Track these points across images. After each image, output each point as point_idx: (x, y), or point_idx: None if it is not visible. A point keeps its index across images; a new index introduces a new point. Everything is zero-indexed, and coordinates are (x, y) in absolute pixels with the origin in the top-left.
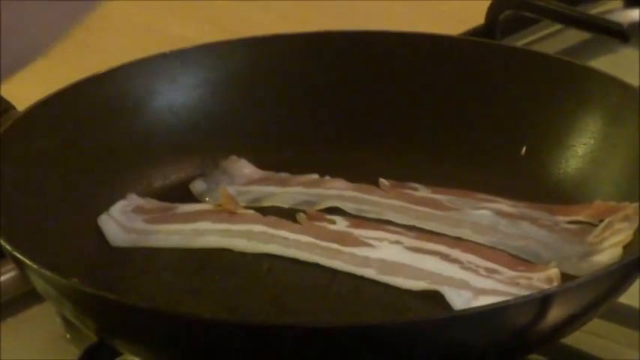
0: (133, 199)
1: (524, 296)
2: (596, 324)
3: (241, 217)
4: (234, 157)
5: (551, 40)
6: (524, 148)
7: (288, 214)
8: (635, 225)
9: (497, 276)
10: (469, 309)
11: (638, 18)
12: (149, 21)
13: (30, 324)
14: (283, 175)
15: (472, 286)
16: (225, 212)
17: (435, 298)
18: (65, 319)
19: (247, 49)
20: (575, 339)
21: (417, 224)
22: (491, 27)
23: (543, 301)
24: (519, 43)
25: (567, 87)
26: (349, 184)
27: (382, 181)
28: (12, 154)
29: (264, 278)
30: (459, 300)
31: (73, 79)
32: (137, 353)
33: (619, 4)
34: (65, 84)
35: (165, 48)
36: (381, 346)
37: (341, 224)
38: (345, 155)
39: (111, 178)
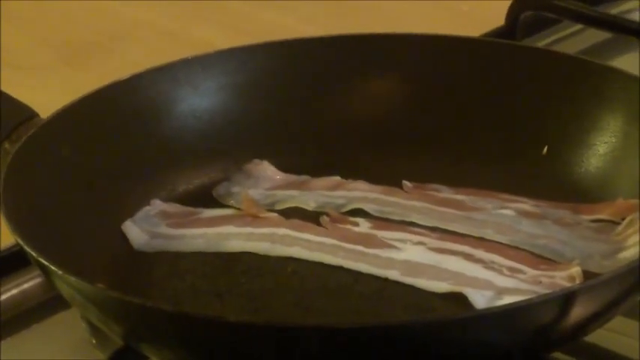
0: (157, 204)
1: (546, 294)
2: (619, 321)
3: (264, 221)
4: (256, 161)
5: (572, 40)
6: (545, 148)
7: (311, 217)
8: None
9: (520, 275)
10: (492, 308)
11: None
12: (171, 27)
13: (56, 329)
14: (305, 177)
15: (495, 286)
16: (249, 216)
17: (458, 297)
18: (91, 324)
19: (268, 53)
20: (598, 336)
21: (440, 225)
22: (511, 28)
23: (566, 299)
24: (540, 44)
25: (588, 86)
26: (372, 186)
27: (405, 182)
28: (36, 161)
29: (288, 280)
30: (482, 300)
31: (97, 85)
32: (163, 357)
33: (639, 4)
34: (88, 90)
35: (187, 53)
36: (406, 346)
37: (364, 226)
38: (366, 157)
39: (135, 184)
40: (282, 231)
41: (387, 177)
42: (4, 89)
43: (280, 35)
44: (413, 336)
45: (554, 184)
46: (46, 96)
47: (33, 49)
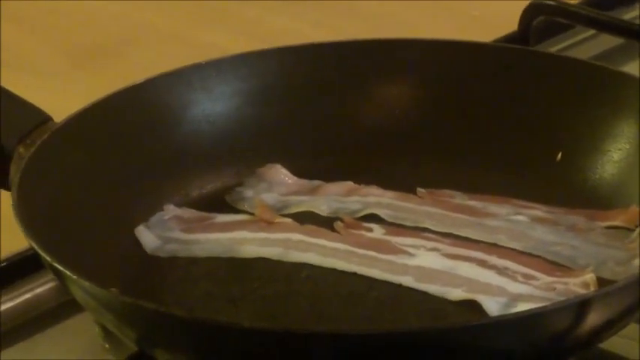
0: (171, 209)
1: (560, 302)
2: (633, 329)
3: (279, 226)
4: (269, 165)
5: (585, 45)
6: (559, 154)
7: (325, 223)
8: None
9: (533, 282)
10: (506, 315)
11: None
12: (182, 31)
13: (69, 334)
14: (318, 182)
15: (509, 292)
16: (263, 221)
17: (472, 304)
18: (104, 329)
19: (281, 58)
20: (612, 344)
21: (454, 231)
22: (524, 33)
23: (580, 306)
24: (553, 49)
25: (602, 92)
26: (386, 192)
27: (419, 189)
28: (50, 166)
29: (302, 286)
30: (496, 306)
31: (110, 90)
32: None
33: None
34: (101, 94)
35: (201, 58)
36: (419, 353)
37: (378, 232)
38: (379, 163)
39: (148, 189)
40: (296, 236)
41: (399, 182)
42: (19, 93)
43: (293, 41)
44: (426, 343)
45: (568, 190)
46: (60, 100)
47: (46, 54)
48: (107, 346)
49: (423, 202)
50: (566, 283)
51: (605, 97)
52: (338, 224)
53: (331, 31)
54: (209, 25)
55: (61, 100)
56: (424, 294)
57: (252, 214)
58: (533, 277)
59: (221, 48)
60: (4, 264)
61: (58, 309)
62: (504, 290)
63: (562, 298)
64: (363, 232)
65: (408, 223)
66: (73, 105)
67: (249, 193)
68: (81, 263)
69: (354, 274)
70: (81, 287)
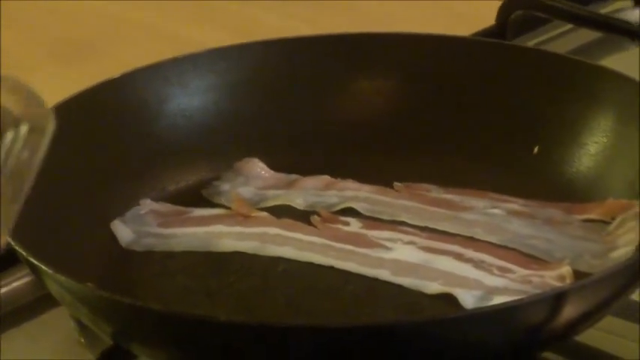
0: (147, 204)
1: (536, 294)
2: (609, 321)
3: (255, 220)
4: (247, 159)
5: (562, 39)
6: (536, 148)
7: (302, 216)
8: None
9: (510, 275)
10: (482, 308)
11: None
12: (164, 27)
13: (45, 328)
14: (295, 176)
15: (485, 285)
16: (239, 215)
17: (449, 297)
18: (80, 324)
19: (258, 52)
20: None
21: (431, 225)
22: (502, 27)
23: (556, 299)
24: (530, 43)
25: (579, 86)
26: (362, 185)
27: (396, 183)
28: None
29: (279, 280)
30: (472, 300)
31: (86, 84)
32: (153, 356)
33: (629, 3)
34: (78, 90)
35: (177, 52)
36: (395, 347)
37: (355, 225)
38: (356, 157)
39: (125, 183)
40: (272, 230)
41: (376, 176)
42: None
43: (271, 35)
44: (402, 336)
45: (545, 183)
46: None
47: (25, 48)
48: (83, 340)
49: (399, 196)
50: (542, 276)
51: (582, 91)
52: (315, 218)
53: (310, 26)
54: (189, 19)
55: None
56: (400, 287)
57: (229, 208)
58: (509, 270)
59: (202, 43)
60: None
61: (34, 303)
62: (480, 283)
63: (538, 291)
64: (340, 226)
65: (384, 217)
66: (52, 100)
67: (226, 187)
68: (57, 258)
69: (331, 267)
70: (56, 282)
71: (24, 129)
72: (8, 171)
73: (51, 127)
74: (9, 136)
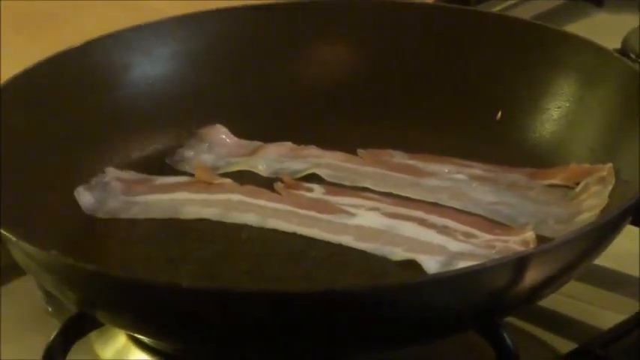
0: (111, 172)
1: (499, 259)
2: (573, 286)
3: (219, 187)
4: (210, 126)
5: (526, 5)
6: (499, 113)
7: (265, 183)
8: (610, 186)
9: (473, 240)
10: (444, 272)
11: None
12: None
13: (11, 297)
14: (258, 143)
15: (449, 251)
16: (203, 183)
17: (413, 262)
18: (47, 293)
19: (220, 19)
20: (551, 301)
21: (394, 191)
22: None
23: (519, 263)
24: (494, 9)
25: (542, 51)
26: (325, 152)
27: (359, 150)
28: None
29: (242, 247)
30: (435, 265)
31: (48, 53)
32: (118, 324)
33: None
34: (40, 59)
35: (139, 21)
36: (358, 312)
37: (318, 192)
38: (319, 123)
39: (88, 151)
40: (236, 197)
41: (339, 143)
42: None
43: (232, 2)
44: (364, 301)
45: (508, 149)
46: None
47: None
48: (50, 309)
49: (363, 162)
50: (505, 241)
51: (544, 56)
52: (278, 185)
53: None
54: None
55: (1, 64)
56: (364, 253)
57: (192, 175)
58: (473, 236)
59: (162, 11)
60: None
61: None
62: (444, 249)
63: (501, 256)
64: (303, 193)
65: (348, 183)
66: (13, 70)
67: (189, 154)
68: (21, 225)
69: (294, 234)
70: (20, 249)
71: None
72: None
73: None
74: None
